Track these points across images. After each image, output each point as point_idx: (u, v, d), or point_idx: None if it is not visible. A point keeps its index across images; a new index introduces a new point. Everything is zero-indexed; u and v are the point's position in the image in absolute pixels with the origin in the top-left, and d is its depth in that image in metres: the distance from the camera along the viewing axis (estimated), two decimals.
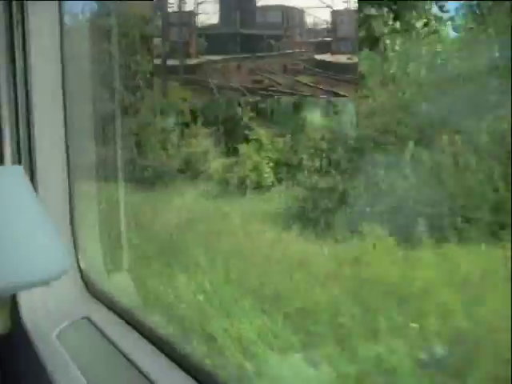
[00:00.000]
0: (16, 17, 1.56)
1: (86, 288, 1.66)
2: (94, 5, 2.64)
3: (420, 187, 2.01)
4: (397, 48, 2.22)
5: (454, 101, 1.89)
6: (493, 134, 1.77)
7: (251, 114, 3.30)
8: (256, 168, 3.04)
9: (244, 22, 1.29)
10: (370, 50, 2.17)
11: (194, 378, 1.12)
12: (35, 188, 1.52)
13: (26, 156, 1.55)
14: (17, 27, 1.57)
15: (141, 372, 1.16)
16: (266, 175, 2.98)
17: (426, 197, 1.97)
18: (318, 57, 1.22)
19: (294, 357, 1.94)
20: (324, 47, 1.22)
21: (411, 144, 1.94)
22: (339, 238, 2.20)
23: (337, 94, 1.21)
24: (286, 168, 2.91)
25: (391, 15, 2.21)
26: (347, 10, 1.17)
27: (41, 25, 1.58)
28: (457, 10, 2.10)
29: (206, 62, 1.28)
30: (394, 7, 2.24)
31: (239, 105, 3.41)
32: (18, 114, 1.57)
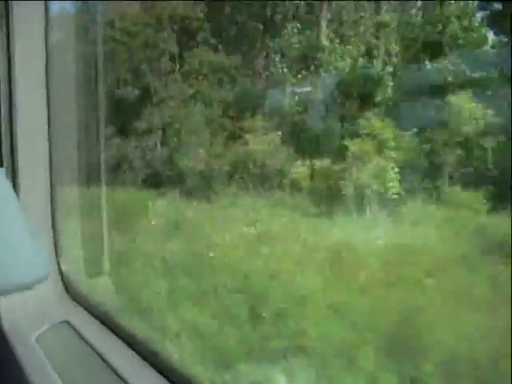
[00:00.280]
0: (0, 16, 1.55)
1: (67, 291, 1.65)
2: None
3: None
4: None
5: None
6: None
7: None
8: (378, 174, 1.94)
9: None
10: None
11: (172, 382, 1.13)
12: (17, 191, 1.52)
13: (8, 158, 1.55)
14: (1, 27, 1.56)
15: (119, 376, 1.17)
16: (390, 184, 1.93)
17: None
18: None
19: None
20: None
21: None
22: None
23: None
24: (419, 174, 1.90)
25: None
26: None
27: (26, 24, 1.58)
28: None
29: None
30: None
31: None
32: (0, 115, 1.56)
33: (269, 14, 6.53)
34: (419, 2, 5.05)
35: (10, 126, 1.54)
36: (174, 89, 5.94)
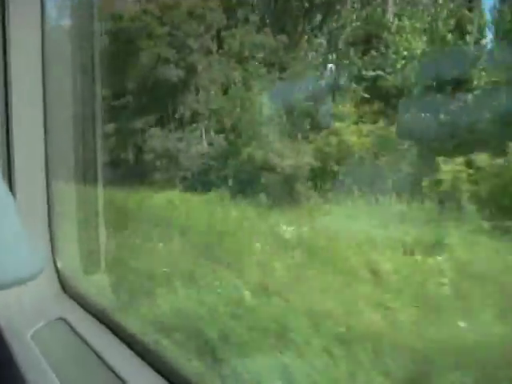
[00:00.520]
0: None
1: (63, 288, 1.66)
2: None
3: None
4: None
5: None
6: None
7: None
8: None
9: None
10: None
11: (168, 380, 1.14)
12: (13, 189, 1.52)
13: (4, 156, 1.55)
14: None
15: (115, 373, 1.17)
16: None
17: None
18: None
19: None
20: None
21: None
22: None
23: None
24: None
25: None
26: None
27: (22, 23, 1.58)
28: None
29: None
30: None
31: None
32: None
33: None
34: None
35: (6, 124, 1.54)
36: (220, 70, 5.18)
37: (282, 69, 5.19)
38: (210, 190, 3.78)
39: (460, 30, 4.00)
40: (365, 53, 4.63)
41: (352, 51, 4.75)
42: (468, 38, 3.86)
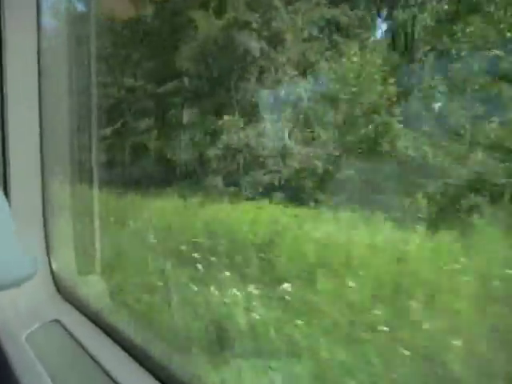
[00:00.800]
0: None
1: (58, 290, 1.66)
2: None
3: None
4: None
5: None
6: None
7: None
8: None
9: None
10: None
11: (163, 382, 1.14)
12: (8, 189, 1.52)
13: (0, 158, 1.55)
14: None
15: (109, 376, 1.18)
16: None
17: None
18: None
19: None
20: None
21: None
22: None
23: None
24: None
25: None
26: None
27: (18, 24, 1.58)
28: None
29: None
30: None
31: None
32: None
33: None
34: None
35: (2, 126, 1.54)
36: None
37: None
38: (317, 203, 2.99)
39: None
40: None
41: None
42: None
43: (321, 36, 4.21)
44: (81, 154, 1.87)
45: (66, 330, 1.45)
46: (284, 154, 3.90)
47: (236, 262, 2.79)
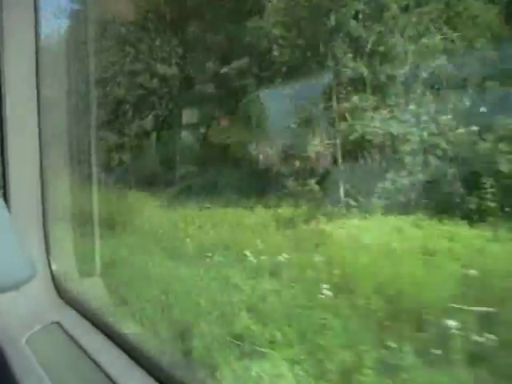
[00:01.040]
0: None
1: (58, 292, 1.65)
2: None
3: None
4: None
5: None
6: None
7: None
8: None
9: None
10: None
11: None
12: (8, 192, 1.52)
13: None
14: None
15: (110, 378, 1.17)
16: None
17: None
18: None
19: None
20: None
21: None
22: None
23: None
24: None
25: None
26: None
27: (16, 23, 1.57)
28: None
29: None
30: None
31: None
32: None
33: None
34: None
35: (1, 130, 1.53)
36: None
37: None
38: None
39: None
40: None
41: None
42: None
43: None
44: (79, 156, 1.87)
45: (66, 332, 1.45)
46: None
47: None
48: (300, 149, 3.48)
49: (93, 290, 1.85)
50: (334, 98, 3.60)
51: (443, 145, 2.93)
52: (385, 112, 3.12)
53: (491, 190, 2.55)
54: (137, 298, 2.69)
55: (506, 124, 2.71)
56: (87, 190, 1.86)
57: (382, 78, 3.30)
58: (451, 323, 1.94)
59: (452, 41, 3.50)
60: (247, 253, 2.83)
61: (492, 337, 1.91)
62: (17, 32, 1.55)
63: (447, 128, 2.93)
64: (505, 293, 2.04)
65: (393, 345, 2.04)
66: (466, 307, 2.01)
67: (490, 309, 1.95)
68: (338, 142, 3.31)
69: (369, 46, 3.61)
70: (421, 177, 2.67)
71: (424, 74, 3.22)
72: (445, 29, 3.67)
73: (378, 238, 2.61)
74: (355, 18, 3.80)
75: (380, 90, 3.30)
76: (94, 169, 1.84)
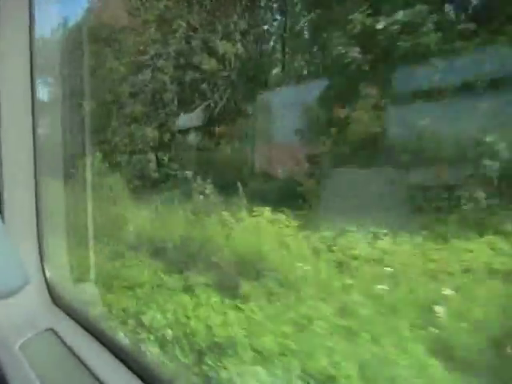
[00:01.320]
0: None
1: (52, 299, 1.65)
2: None
3: None
4: None
5: None
6: None
7: None
8: None
9: None
10: None
11: None
12: (2, 198, 1.52)
13: None
14: None
15: None
16: None
17: None
18: None
19: None
20: None
21: None
22: None
23: None
24: None
25: None
26: None
27: (9, 25, 1.57)
28: None
29: None
30: None
31: None
32: None
33: None
34: None
35: None
36: None
37: None
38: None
39: None
40: None
41: None
42: None
43: None
44: (74, 160, 1.87)
45: (60, 338, 1.45)
46: None
47: None
48: None
49: None
50: None
51: None
52: None
53: None
54: None
55: None
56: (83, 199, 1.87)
57: None
58: None
59: None
60: None
61: None
62: (11, 32, 1.54)
63: None
64: None
65: None
66: None
67: None
68: None
69: None
70: None
71: None
72: None
73: None
74: None
75: None
76: (88, 174, 1.84)
